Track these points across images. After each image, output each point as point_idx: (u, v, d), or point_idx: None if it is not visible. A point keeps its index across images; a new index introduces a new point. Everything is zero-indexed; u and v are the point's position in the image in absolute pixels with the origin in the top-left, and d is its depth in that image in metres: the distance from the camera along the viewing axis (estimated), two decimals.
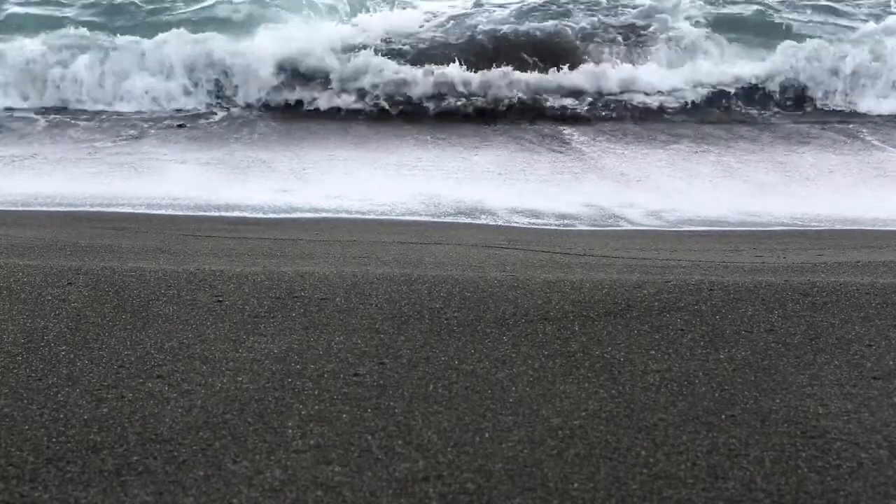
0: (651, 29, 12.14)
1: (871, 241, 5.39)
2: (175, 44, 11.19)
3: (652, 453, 2.29)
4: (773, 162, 8.22)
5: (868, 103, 10.32)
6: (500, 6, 12.91)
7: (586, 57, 11.40)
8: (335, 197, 7.01)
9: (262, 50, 11.15)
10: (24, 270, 3.79)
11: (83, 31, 11.74)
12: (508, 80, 10.72)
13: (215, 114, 10.49)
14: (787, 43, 11.13)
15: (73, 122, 10.12)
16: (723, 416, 2.49)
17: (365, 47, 11.42)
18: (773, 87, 10.67)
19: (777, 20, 12.29)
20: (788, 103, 10.51)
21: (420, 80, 10.77)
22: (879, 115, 10.12)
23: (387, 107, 10.53)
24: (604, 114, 10.15)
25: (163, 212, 6.50)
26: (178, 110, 10.56)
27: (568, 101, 10.49)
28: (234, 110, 10.62)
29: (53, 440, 2.35)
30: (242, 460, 2.26)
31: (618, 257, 4.64)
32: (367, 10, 12.96)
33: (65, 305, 3.36)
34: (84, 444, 2.32)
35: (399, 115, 10.38)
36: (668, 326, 3.16)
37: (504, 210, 6.61)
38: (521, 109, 10.31)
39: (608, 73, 10.81)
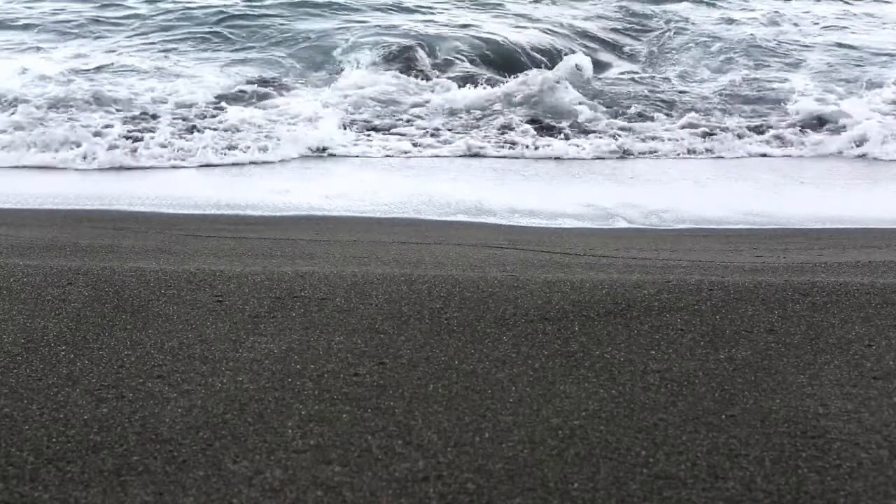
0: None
1: (871, 241, 5.39)
2: None
3: (652, 453, 2.29)
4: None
5: None
6: None
7: None
8: (335, 197, 7.01)
9: None
10: (24, 270, 3.79)
11: None
12: None
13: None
14: None
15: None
16: (723, 416, 2.49)
17: None
18: None
19: None
20: None
21: None
22: None
23: None
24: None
25: (163, 211, 6.50)
26: None
27: None
28: None
29: (53, 440, 2.35)
30: (242, 460, 2.26)
31: (618, 257, 4.63)
32: None
33: (65, 305, 3.36)
34: (84, 444, 2.32)
35: None
36: (668, 326, 3.16)
37: (504, 210, 6.61)
38: None
39: None
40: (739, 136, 8.65)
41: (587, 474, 2.20)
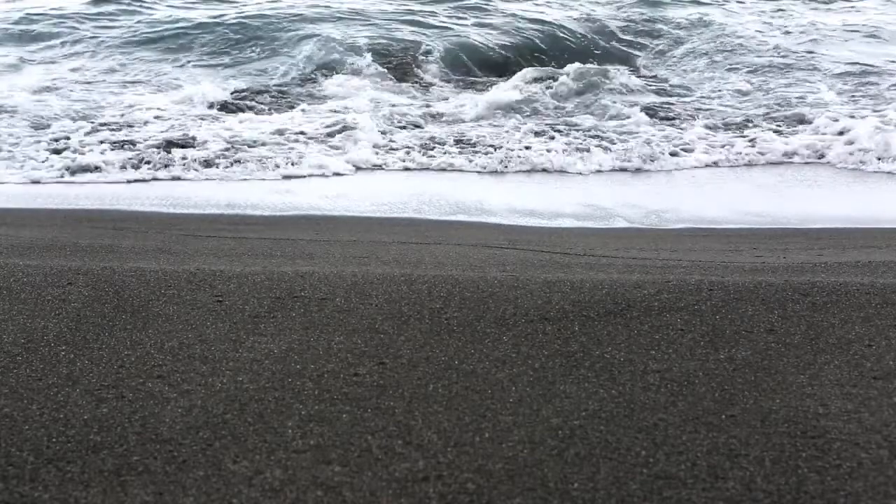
0: None
1: (871, 241, 5.39)
2: None
3: (652, 453, 2.29)
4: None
5: None
6: None
7: None
8: (335, 197, 7.01)
9: None
10: (24, 270, 3.79)
11: None
12: None
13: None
14: None
15: None
16: (723, 416, 2.49)
17: None
18: None
19: None
20: None
21: None
22: None
23: None
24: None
25: (163, 211, 6.50)
26: None
27: None
28: None
29: (53, 440, 2.35)
30: (242, 460, 2.26)
31: (618, 257, 4.64)
32: None
33: (65, 305, 3.36)
34: (84, 444, 2.32)
35: None
36: (668, 326, 3.16)
37: (504, 210, 6.61)
38: None
39: None
40: (764, 145, 8.26)
41: (587, 474, 2.20)
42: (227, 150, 8.12)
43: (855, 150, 8.09)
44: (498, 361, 2.87)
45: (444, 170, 7.84)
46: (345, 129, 8.68)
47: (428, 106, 9.75)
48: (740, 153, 8.16)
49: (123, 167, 7.66)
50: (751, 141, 8.42)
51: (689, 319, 3.22)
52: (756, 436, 2.38)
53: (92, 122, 8.86)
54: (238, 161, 7.88)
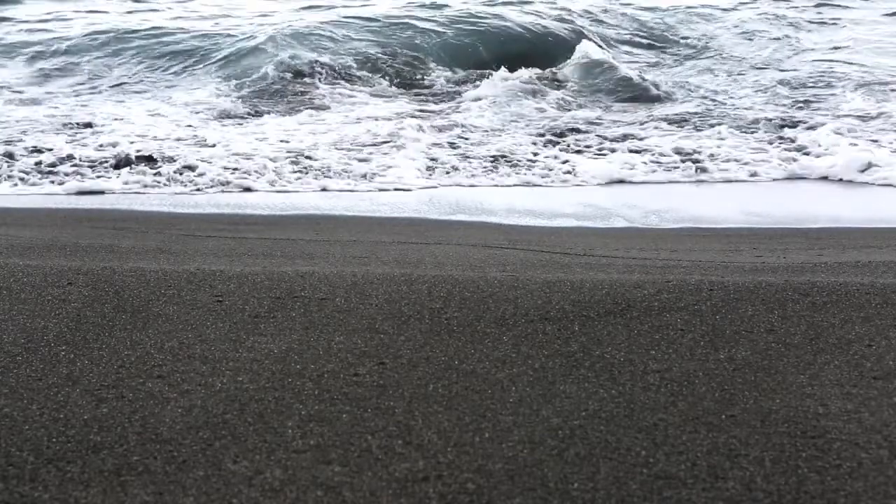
0: None
1: (871, 241, 5.39)
2: None
3: (652, 453, 2.29)
4: None
5: None
6: None
7: None
8: (335, 197, 7.01)
9: None
10: (24, 270, 3.79)
11: None
12: None
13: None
14: None
15: None
16: (723, 416, 2.49)
17: None
18: None
19: None
20: None
21: None
22: None
23: None
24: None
25: (163, 210, 6.50)
26: None
27: None
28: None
29: (53, 440, 2.35)
30: (242, 460, 2.26)
31: (618, 257, 4.64)
32: None
33: (65, 305, 3.36)
34: (84, 444, 2.32)
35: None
36: (668, 326, 3.16)
37: (504, 210, 6.61)
38: None
39: None
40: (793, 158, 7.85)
41: (587, 474, 2.20)
42: (226, 168, 7.55)
43: (876, 173, 7.50)
44: (498, 361, 2.87)
45: (473, 186, 7.39)
46: (369, 144, 8.22)
47: (438, 113, 9.46)
48: (774, 167, 7.74)
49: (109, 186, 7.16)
50: (781, 154, 7.98)
51: (689, 319, 3.22)
52: (756, 436, 2.38)
53: (77, 135, 8.46)
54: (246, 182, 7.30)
